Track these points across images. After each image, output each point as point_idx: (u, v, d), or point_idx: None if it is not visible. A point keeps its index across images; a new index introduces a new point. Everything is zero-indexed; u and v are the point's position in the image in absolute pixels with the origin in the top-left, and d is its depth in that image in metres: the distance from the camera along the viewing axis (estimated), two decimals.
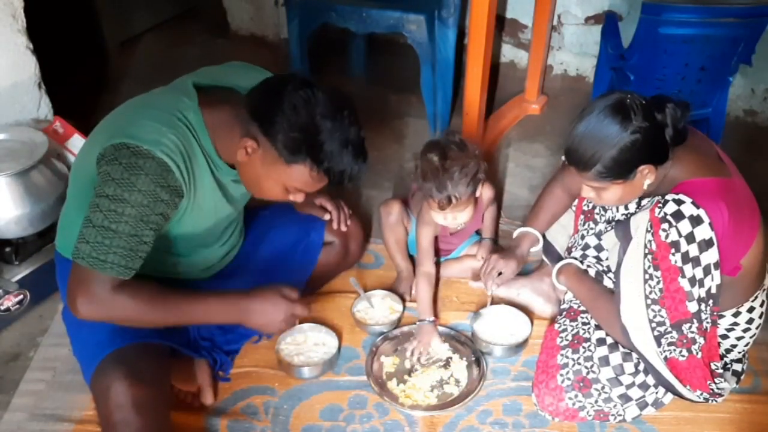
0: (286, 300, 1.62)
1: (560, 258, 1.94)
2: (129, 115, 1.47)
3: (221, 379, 1.78)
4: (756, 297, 1.63)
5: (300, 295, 1.66)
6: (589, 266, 1.80)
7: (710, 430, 1.68)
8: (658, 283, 1.46)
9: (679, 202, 1.42)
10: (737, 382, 1.70)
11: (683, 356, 1.50)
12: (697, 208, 1.41)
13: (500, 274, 1.90)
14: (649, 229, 1.45)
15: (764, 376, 1.81)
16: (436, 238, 2.06)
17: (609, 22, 2.75)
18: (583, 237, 1.88)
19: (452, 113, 2.87)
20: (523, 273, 2.02)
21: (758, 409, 1.72)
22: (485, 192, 2.02)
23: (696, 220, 1.41)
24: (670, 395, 1.63)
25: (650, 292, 1.47)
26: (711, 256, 1.43)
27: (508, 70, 3.40)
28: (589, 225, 1.89)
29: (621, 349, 1.62)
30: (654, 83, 2.41)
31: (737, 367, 1.71)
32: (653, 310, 1.48)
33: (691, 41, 2.28)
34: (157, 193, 1.39)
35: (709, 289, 1.46)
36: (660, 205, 1.44)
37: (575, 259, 1.84)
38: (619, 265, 1.55)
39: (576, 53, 3.25)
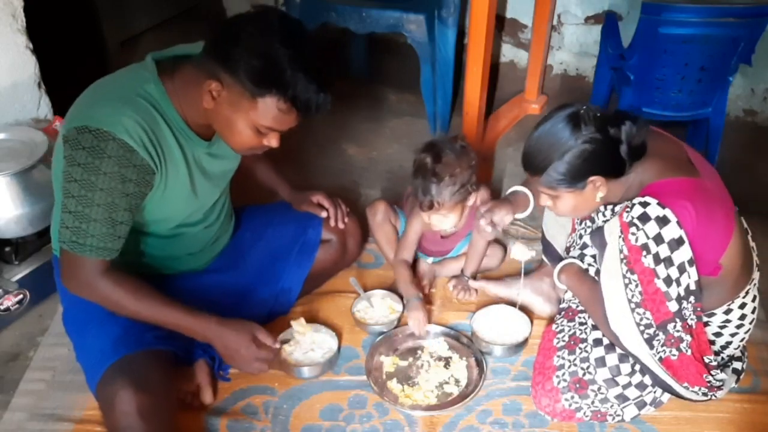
0: (254, 346, 1.61)
1: (560, 258, 1.94)
2: (90, 96, 1.48)
3: (221, 379, 1.78)
4: (747, 292, 1.63)
5: (272, 341, 1.64)
6: (590, 265, 1.80)
7: (710, 430, 1.68)
8: (636, 286, 1.46)
9: (644, 205, 1.43)
10: (737, 381, 1.70)
11: (674, 355, 1.50)
12: (663, 208, 1.41)
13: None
14: (619, 234, 1.46)
15: (764, 376, 1.81)
16: (427, 239, 2.07)
17: (609, 21, 2.75)
18: (581, 236, 1.88)
19: (452, 113, 2.88)
20: (524, 273, 2.02)
21: (758, 409, 1.72)
22: (481, 194, 2.00)
23: (662, 221, 1.41)
24: (668, 394, 1.63)
25: (632, 296, 1.48)
26: (683, 254, 1.43)
27: (508, 70, 3.40)
28: (586, 224, 1.88)
29: (618, 350, 1.62)
30: (654, 83, 2.42)
31: (737, 365, 1.70)
32: (638, 314, 1.48)
33: (691, 41, 2.28)
34: (123, 173, 1.40)
35: (687, 286, 1.46)
36: (628, 209, 1.45)
37: (573, 258, 1.84)
38: (599, 272, 1.56)
39: (576, 53, 3.25)
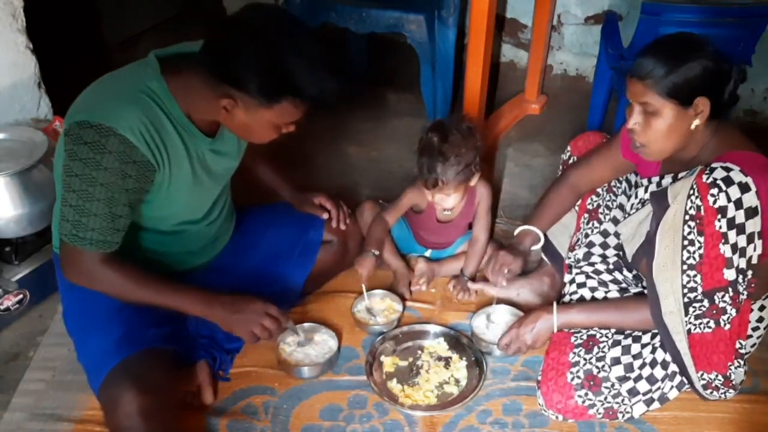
0: (263, 310, 1.63)
1: (560, 256, 1.95)
2: (93, 93, 1.49)
3: (221, 379, 1.78)
4: (767, 296, 1.63)
5: (282, 317, 1.66)
6: (595, 263, 1.80)
7: (710, 430, 1.68)
8: (699, 248, 1.46)
9: (727, 169, 1.43)
10: (740, 383, 1.70)
11: (710, 328, 1.50)
12: (746, 176, 1.42)
13: (507, 270, 1.90)
14: (695, 194, 1.45)
15: (764, 376, 1.81)
16: (425, 227, 2.09)
17: (609, 21, 2.75)
18: (587, 236, 1.88)
19: (452, 113, 2.87)
20: (523, 273, 2.02)
21: (758, 409, 1.72)
22: (481, 188, 2.03)
23: (744, 187, 1.41)
24: (675, 391, 1.63)
25: (688, 258, 1.47)
26: (756, 224, 1.44)
27: (508, 70, 3.40)
28: (593, 224, 1.89)
29: (632, 351, 1.63)
30: None
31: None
32: (688, 276, 1.48)
33: None
34: (123, 169, 1.41)
35: (750, 258, 1.46)
36: (707, 172, 1.44)
37: (578, 258, 1.85)
38: (650, 234, 1.56)
39: (576, 53, 3.25)
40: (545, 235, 1.98)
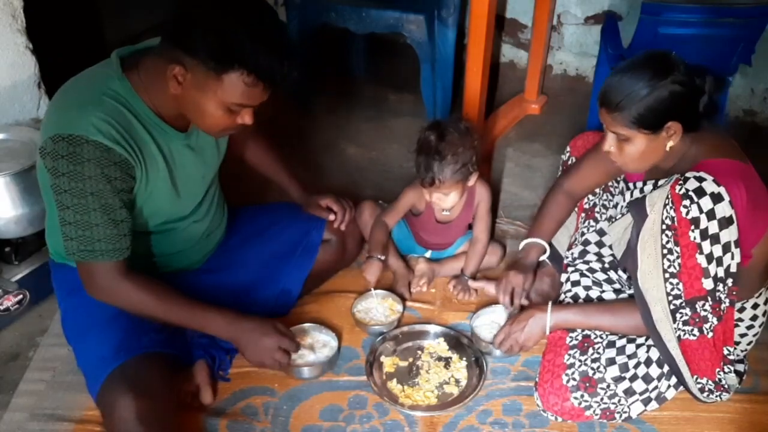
0: (277, 334, 1.67)
1: (560, 257, 1.95)
2: (58, 102, 1.49)
3: (221, 379, 1.78)
4: (760, 294, 1.64)
5: (292, 334, 1.73)
6: (590, 261, 1.80)
7: (710, 430, 1.68)
8: (677, 257, 1.46)
9: (700, 179, 1.42)
10: (739, 383, 1.70)
11: (694, 336, 1.50)
12: (719, 185, 1.41)
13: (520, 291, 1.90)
14: (670, 205, 1.44)
15: (764, 376, 1.81)
16: (425, 228, 2.09)
17: (609, 22, 2.75)
18: (583, 234, 1.88)
19: (452, 113, 2.87)
20: None
21: (758, 409, 1.72)
22: (480, 189, 2.03)
23: (717, 198, 1.41)
24: (672, 390, 1.63)
25: (669, 266, 1.47)
26: (731, 233, 1.43)
27: (508, 70, 3.40)
28: (589, 223, 1.89)
29: (627, 351, 1.63)
30: None
31: (739, 367, 1.70)
32: (671, 284, 1.48)
33: (690, 41, 2.28)
34: (106, 173, 1.41)
35: (728, 267, 1.46)
36: (681, 182, 1.44)
37: (574, 256, 1.84)
38: (632, 243, 1.56)
39: (576, 53, 3.25)
40: None
